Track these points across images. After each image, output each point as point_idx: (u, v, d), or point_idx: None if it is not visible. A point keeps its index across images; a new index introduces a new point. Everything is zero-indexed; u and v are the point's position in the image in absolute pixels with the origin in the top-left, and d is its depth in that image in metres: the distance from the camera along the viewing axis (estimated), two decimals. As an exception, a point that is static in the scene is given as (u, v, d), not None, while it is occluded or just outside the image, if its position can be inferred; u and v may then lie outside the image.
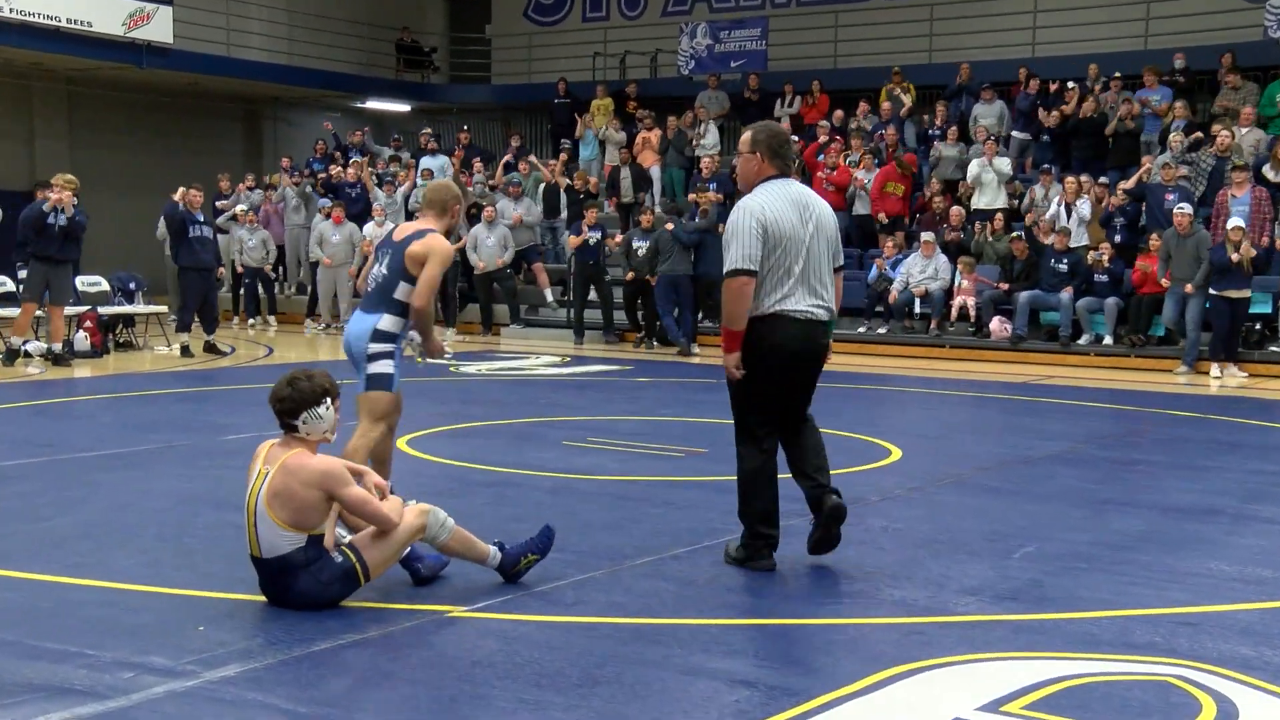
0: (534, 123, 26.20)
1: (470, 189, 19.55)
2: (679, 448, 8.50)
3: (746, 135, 5.23)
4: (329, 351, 16.95)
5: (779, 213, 5.13)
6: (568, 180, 19.82)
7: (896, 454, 8.44)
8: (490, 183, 19.85)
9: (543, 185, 19.41)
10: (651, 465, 7.97)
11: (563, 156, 20.64)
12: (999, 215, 16.44)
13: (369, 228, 18.73)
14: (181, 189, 15.17)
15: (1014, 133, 18.36)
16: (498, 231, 18.19)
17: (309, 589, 4.56)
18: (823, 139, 18.65)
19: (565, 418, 10.01)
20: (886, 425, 9.86)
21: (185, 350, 14.67)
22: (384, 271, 5.58)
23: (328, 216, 19.13)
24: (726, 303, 5.09)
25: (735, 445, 5.32)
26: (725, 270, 5.09)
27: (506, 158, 20.96)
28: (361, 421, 5.59)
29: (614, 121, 21.09)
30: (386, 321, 5.54)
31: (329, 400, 4.70)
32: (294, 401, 4.64)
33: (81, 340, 14.44)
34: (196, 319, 14.86)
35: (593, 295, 17.90)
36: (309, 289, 19.96)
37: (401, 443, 8.49)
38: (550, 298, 18.47)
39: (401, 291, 5.52)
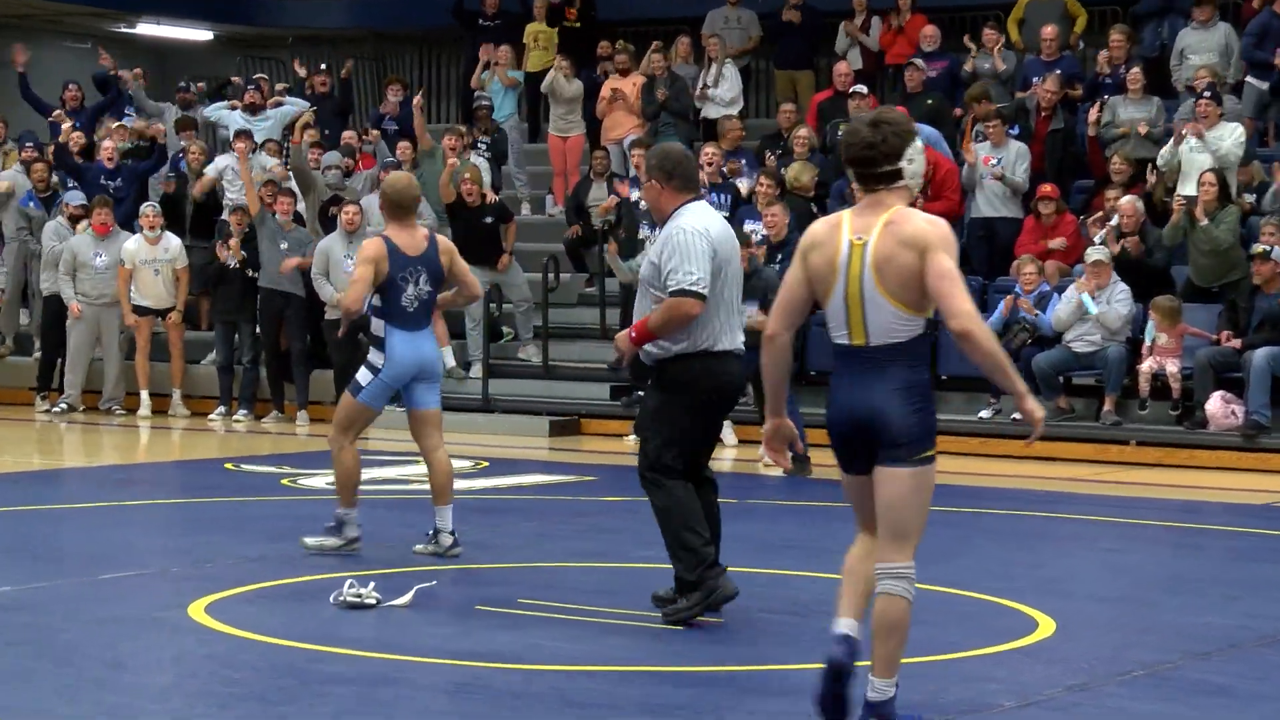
0: (430, 63, 26.29)
1: (320, 171, 19.57)
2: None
3: (642, 165, 8.46)
4: (78, 453, 16.82)
5: (723, 235, 8.36)
6: (485, 155, 19.91)
7: (1048, 627, 8.43)
8: (345, 163, 19.86)
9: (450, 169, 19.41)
10: (622, 645, 7.95)
11: (481, 120, 20.73)
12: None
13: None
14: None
15: (1249, 79, 18.47)
16: (363, 247, 18.18)
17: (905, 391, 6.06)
18: (913, 86, 18.74)
19: (478, 565, 9.97)
20: (1031, 577, 9.83)
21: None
22: (429, 289, 9.90)
23: (76, 222, 19.04)
24: (669, 321, 8.13)
25: (656, 484, 8.30)
26: (677, 288, 8.09)
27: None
28: (439, 437, 10.06)
29: (564, 64, 21.17)
30: None
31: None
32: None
33: None
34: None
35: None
36: (37, 345, 19.85)
37: (197, 609, 8.47)
38: (450, 361, 18.46)
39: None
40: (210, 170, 19.84)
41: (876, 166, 6.10)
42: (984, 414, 16.50)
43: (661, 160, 8.38)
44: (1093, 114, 18.14)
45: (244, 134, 19.67)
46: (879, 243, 6.02)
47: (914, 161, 6.15)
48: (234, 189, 19.51)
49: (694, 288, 8.07)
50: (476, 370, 18.41)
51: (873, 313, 6.04)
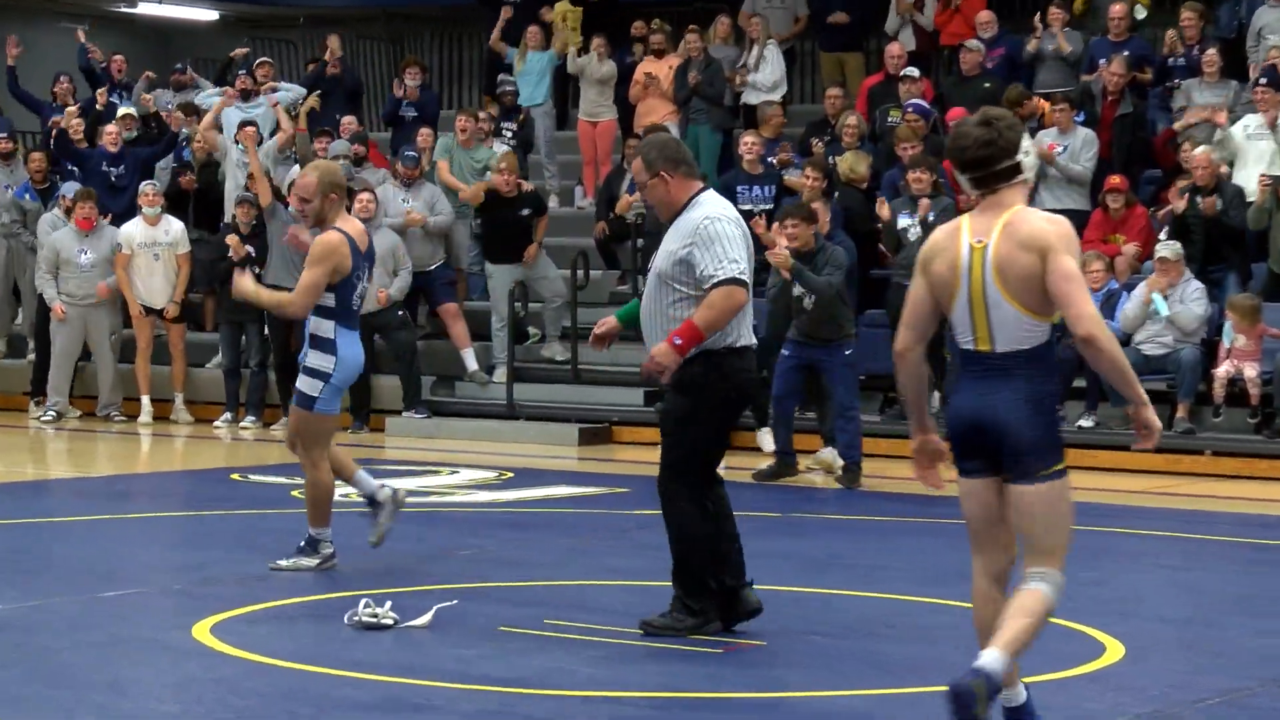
0: (449, 44, 26.32)
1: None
2: (715, 638, 8.46)
3: (637, 162, 8.62)
4: (74, 462, 16.87)
5: (743, 224, 8.50)
6: (510, 143, 19.89)
7: (1116, 651, 8.41)
8: (355, 150, 19.84)
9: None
10: (657, 671, 7.94)
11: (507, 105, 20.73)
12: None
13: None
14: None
15: None
16: (381, 241, 18.17)
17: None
18: (969, 68, 18.72)
19: (502, 583, 10.00)
20: (1098, 597, 9.78)
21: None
22: (367, 285, 10.08)
23: (66, 214, 19.05)
24: (722, 315, 8.20)
25: (672, 499, 8.45)
26: (726, 277, 8.17)
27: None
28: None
29: (599, 44, 21.18)
30: None
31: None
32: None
33: None
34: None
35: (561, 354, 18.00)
36: (31, 346, 19.90)
37: (202, 630, 8.47)
38: (472, 365, 18.47)
39: None
40: (217, 155, 19.87)
41: (996, 164, 6.26)
42: (1046, 421, 16.42)
43: (663, 150, 8.54)
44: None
45: (248, 121, 19.65)
46: (999, 244, 6.18)
47: (1029, 154, 6.36)
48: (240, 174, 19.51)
49: (742, 276, 8.24)
50: (500, 374, 18.39)
51: (997, 317, 6.20)
